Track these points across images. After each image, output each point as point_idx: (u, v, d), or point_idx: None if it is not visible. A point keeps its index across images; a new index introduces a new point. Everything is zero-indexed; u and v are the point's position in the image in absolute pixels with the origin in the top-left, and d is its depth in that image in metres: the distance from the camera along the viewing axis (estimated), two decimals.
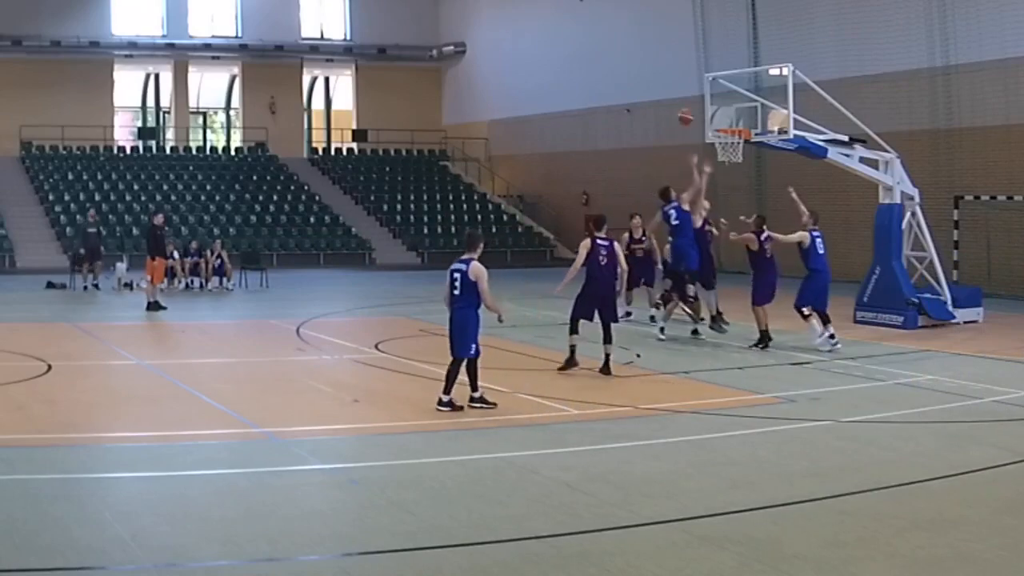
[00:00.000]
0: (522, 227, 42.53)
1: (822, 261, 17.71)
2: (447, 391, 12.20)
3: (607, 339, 14.98)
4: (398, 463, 10.24)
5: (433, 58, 48.17)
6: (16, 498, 8.69)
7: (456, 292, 12.26)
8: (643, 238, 21.04)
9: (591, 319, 15.13)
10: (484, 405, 12.30)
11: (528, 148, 44.22)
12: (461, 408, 12.18)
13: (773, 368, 15.78)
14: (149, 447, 10.88)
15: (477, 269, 12.21)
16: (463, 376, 12.28)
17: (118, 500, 9.00)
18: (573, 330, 15.13)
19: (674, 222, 18.01)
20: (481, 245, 12.60)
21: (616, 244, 15.38)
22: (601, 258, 15.02)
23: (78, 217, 37.44)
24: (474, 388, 12.36)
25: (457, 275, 12.27)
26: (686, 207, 18.35)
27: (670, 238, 18.55)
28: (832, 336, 17.37)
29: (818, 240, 17.78)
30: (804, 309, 17.58)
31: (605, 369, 14.92)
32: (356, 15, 47.62)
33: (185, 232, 35.79)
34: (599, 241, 15.15)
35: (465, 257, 12.36)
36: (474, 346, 12.24)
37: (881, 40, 28.78)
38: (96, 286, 27.52)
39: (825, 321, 17.48)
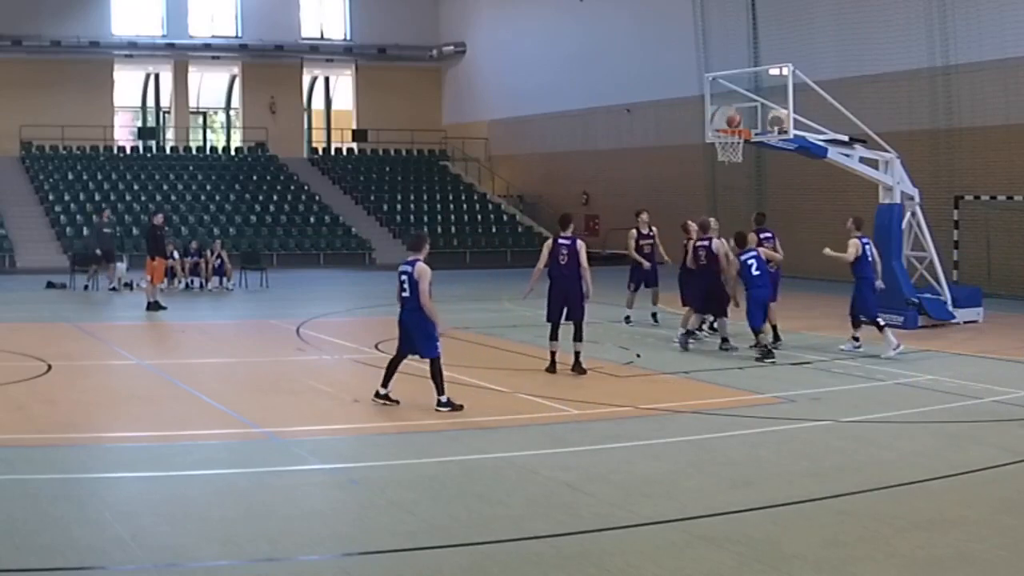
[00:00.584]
0: (522, 227, 42.53)
1: (869, 268, 17.23)
2: (440, 391, 12.25)
3: (577, 336, 14.84)
4: (398, 463, 10.24)
5: (433, 58, 48.18)
6: (16, 498, 8.69)
7: (406, 294, 12.40)
8: (650, 234, 20.80)
9: (561, 319, 14.96)
10: (388, 402, 12.47)
11: (528, 148, 44.24)
12: (461, 407, 12.20)
13: (773, 368, 15.77)
14: (149, 447, 10.88)
15: (421, 269, 12.31)
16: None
17: (118, 500, 8.99)
18: (552, 336, 15.00)
19: (755, 272, 16.55)
20: (426, 246, 12.74)
21: (580, 243, 14.95)
22: (561, 257, 14.81)
23: (78, 217, 37.46)
24: (385, 384, 12.52)
25: (405, 276, 12.41)
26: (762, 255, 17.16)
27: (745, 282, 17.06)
28: (856, 339, 17.19)
29: (868, 247, 17.28)
30: (879, 320, 16.95)
31: (577, 368, 14.77)
32: (356, 15, 47.63)
33: (185, 232, 35.78)
34: (560, 240, 14.94)
35: (411, 258, 12.47)
36: (438, 344, 12.32)
37: (881, 40, 28.78)
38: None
39: (856, 326, 17.24)
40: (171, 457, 10.31)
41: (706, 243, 17.36)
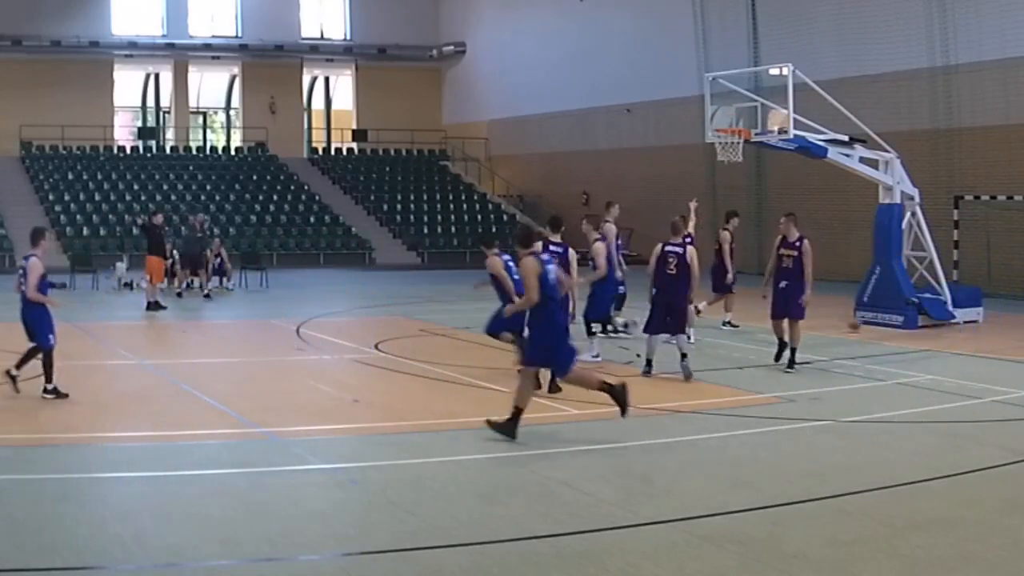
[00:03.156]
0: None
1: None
2: (48, 380, 12.63)
3: None
4: (398, 463, 10.23)
5: (433, 58, 48.18)
6: (16, 498, 8.68)
7: (23, 287, 12.81)
8: (717, 238, 19.60)
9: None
10: (56, 396, 12.65)
11: (528, 148, 44.24)
12: (66, 396, 12.57)
13: (773, 368, 15.76)
14: (149, 447, 10.88)
15: (32, 264, 12.75)
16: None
17: (118, 500, 8.99)
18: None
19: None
20: (43, 241, 13.18)
21: (572, 252, 14.23)
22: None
23: (78, 217, 37.46)
24: (19, 366, 12.79)
25: (21, 270, 12.91)
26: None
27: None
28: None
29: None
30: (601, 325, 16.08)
31: (553, 387, 13.40)
32: (356, 15, 47.64)
33: (185, 232, 35.71)
34: (551, 248, 14.15)
35: (28, 253, 12.96)
36: (52, 336, 12.74)
37: (881, 40, 28.78)
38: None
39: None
40: (171, 457, 10.30)
41: (678, 249, 14.92)
